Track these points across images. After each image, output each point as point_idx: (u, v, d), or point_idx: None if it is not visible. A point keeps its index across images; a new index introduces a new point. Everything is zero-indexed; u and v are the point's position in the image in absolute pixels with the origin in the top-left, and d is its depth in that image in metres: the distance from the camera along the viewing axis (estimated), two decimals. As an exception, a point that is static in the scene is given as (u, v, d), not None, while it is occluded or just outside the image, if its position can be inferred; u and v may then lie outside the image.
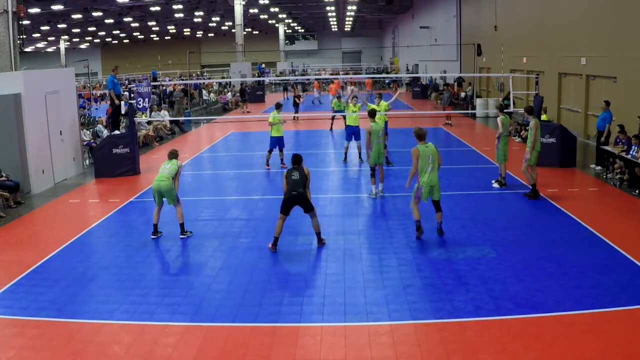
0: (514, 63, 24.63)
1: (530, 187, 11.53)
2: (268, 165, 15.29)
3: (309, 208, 8.93)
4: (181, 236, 9.75)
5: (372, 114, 11.78)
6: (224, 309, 6.90)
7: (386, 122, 14.87)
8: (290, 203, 8.86)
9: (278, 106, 15.47)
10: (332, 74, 51.24)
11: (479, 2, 30.75)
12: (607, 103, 14.48)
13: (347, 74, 53.46)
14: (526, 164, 11.36)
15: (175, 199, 9.72)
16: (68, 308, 7.00)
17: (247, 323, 6.55)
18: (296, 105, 27.07)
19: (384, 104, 14.84)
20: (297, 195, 8.79)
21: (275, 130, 14.91)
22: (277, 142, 15.02)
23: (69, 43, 61.47)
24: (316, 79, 38.72)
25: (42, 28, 45.08)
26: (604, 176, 13.16)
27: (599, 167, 13.94)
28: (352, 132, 15.30)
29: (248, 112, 30.99)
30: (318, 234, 9.09)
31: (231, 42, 44.28)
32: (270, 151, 15.22)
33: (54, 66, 47.20)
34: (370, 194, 11.96)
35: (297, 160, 9.12)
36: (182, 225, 9.80)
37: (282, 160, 15.18)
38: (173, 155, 9.98)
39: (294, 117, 26.01)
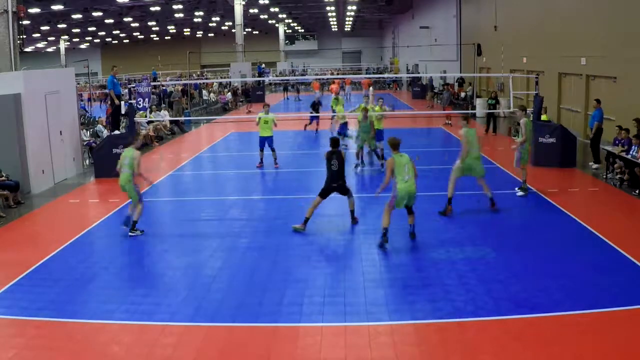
0: (514, 63, 24.62)
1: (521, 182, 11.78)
2: (261, 164, 15.28)
3: (347, 192, 9.98)
4: (130, 233, 9.67)
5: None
6: (224, 309, 6.90)
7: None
8: (331, 191, 9.86)
9: (265, 106, 15.69)
10: (331, 74, 51.26)
11: (479, 2, 30.74)
12: (598, 101, 14.80)
13: (344, 74, 53.44)
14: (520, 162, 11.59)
15: (135, 195, 9.59)
16: (68, 308, 7.00)
17: (247, 323, 6.55)
18: (316, 111, 21.45)
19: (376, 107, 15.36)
20: (337, 187, 9.84)
21: (263, 130, 14.98)
22: (266, 142, 15.08)
23: (69, 43, 61.43)
24: (315, 79, 38.70)
25: (42, 28, 45.05)
26: (604, 176, 13.16)
27: (596, 165, 14.07)
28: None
29: (251, 112, 31.06)
30: (352, 212, 10.09)
31: (231, 42, 44.26)
32: (261, 150, 15.25)
33: (54, 66, 47.14)
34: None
35: (335, 143, 10.01)
36: (134, 222, 9.69)
37: (275, 160, 15.20)
38: (131, 142, 9.67)
39: (308, 124, 21.87)
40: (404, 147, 15.33)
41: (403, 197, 8.87)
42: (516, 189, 11.95)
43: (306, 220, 9.75)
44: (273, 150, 15.13)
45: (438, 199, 11.67)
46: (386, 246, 8.85)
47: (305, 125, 21.53)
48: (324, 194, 9.82)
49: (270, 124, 14.97)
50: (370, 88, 27.67)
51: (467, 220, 10.19)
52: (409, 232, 9.23)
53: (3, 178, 12.12)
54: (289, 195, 12.20)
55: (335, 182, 9.80)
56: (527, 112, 12.71)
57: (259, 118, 15.01)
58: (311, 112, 21.40)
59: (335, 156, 9.79)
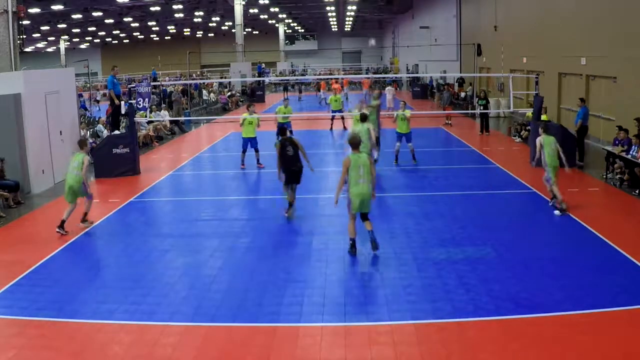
0: (514, 63, 24.62)
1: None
2: (243, 164, 15.35)
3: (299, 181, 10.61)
4: (80, 223, 10.25)
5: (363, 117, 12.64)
6: (224, 309, 6.90)
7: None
8: (293, 175, 10.46)
9: (248, 107, 15.94)
10: (330, 74, 51.30)
11: (479, 2, 30.75)
12: (583, 100, 15.25)
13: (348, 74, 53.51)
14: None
15: (85, 193, 10.19)
16: (68, 308, 6.99)
17: (247, 323, 6.55)
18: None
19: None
20: (298, 171, 10.45)
21: (247, 131, 15.09)
22: (250, 143, 15.20)
23: (69, 43, 61.44)
24: (321, 79, 38.74)
25: (42, 28, 45.07)
26: (604, 176, 13.16)
27: (581, 162, 14.39)
28: (403, 135, 15.43)
29: (254, 112, 31.09)
30: (290, 204, 10.62)
31: (231, 42, 44.27)
32: (244, 151, 15.35)
33: (54, 66, 47.16)
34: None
35: (282, 131, 11.05)
36: (85, 214, 10.32)
37: (257, 160, 15.36)
38: (80, 145, 10.43)
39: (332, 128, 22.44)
40: (405, 147, 15.40)
41: (355, 202, 8.33)
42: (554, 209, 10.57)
43: (290, 204, 10.54)
44: (257, 150, 15.31)
45: (438, 199, 11.69)
46: (354, 254, 8.45)
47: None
48: (288, 181, 10.45)
49: (254, 125, 15.19)
50: (388, 88, 28.13)
51: (467, 220, 10.18)
52: (370, 241, 8.47)
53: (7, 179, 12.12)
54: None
55: (294, 166, 10.35)
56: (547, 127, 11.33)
57: (244, 119, 15.17)
58: (333, 112, 22.11)
59: (289, 142, 10.42)
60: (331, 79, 35.73)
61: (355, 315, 6.61)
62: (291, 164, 10.34)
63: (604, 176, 13.17)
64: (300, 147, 10.41)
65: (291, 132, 16.76)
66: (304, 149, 10.49)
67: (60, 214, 10.02)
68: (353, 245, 8.53)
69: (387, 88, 28.20)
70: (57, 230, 9.88)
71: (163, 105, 26.39)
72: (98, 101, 34.21)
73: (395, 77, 37.06)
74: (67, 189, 10.07)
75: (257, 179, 14.40)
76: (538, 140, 10.70)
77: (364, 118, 12.59)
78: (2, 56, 13.90)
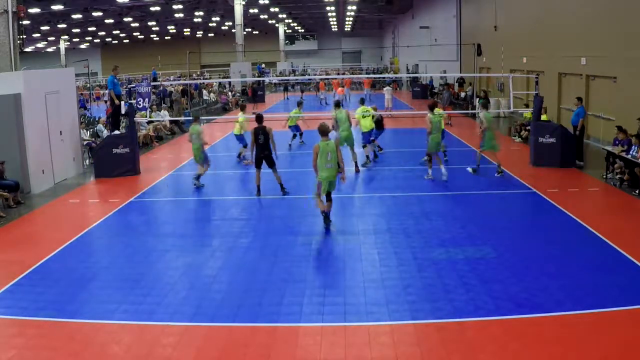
0: (514, 63, 24.62)
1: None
2: (246, 160, 15.96)
3: (273, 165, 12.03)
4: (194, 180, 13.06)
5: (432, 106, 13.52)
6: (224, 309, 6.90)
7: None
8: (261, 161, 11.94)
9: (243, 108, 17.09)
10: (327, 74, 51.28)
11: (479, 2, 30.75)
12: (580, 99, 15.27)
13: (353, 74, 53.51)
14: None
15: (203, 159, 12.75)
16: (68, 308, 6.99)
17: (247, 323, 6.55)
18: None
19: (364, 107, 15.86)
20: (265, 157, 11.88)
21: (237, 130, 16.32)
22: (239, 139, 16.42)
23: (69, 43, 61.45)
24: (321, 79, 38.74)
25: (42, 28, 45.08)
26: (604, 176, 13.16)
27: (581, 162, 14.42)
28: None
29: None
30: (281, 185, 12.19)
31: (231, 42, 44.27)
32: (245, 146, 16.21)
33: (54, 66, 47.17)
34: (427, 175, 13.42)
35: (259, 119, 11.95)
36: (199, 175, 12.91)
37: (240, 154, 16.62)
38: (194, 119, 12.83)
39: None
40: (405, 147, 15.41)
41: (325, 184, 9.47)
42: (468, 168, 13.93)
43: (258, 187, 12.14)
44: (245, 146, 16.25)
45: (438, 199, 11.70)
46: (331, 226, 9.68)
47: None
48: (257, 164, 11.99)
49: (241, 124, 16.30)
50: (386, 89, 28.11)
51: (467, 220, 10.18)
52: (323, 217, 9.73)
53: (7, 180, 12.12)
54: (289, 195, 12.20)
55: (262, 153, 11.82)
56: (488, 106, 14.65)
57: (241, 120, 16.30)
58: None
59: (261, 131, 11.70)
60: (331, 79, 35.76)
61: (355, 315, 6.61)
62: (260, 151, 11.82)
63: (604, 176, 13.17)
64: (271, 136, 11.75)
65: (301, 134, 18.65)
66: (273, 138, 11.83)
67: (60, 214, 10.04)
68: (326, 217, 9.75)
69: (385, 88, 28.13)
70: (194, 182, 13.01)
71: (163, 105, 26.40)
72: (106, 102, 34.25)
73: (395, 77, 37.00)
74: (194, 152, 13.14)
75: (267, 179, 14.39)
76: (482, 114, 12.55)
77: (337, 104, 14.57)
78: (2, 56, 13.92)
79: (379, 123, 15.83)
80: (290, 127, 18.32)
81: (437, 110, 13.72)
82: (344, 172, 9.80)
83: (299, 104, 18.73)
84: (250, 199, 12.43)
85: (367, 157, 15.41)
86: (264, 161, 11.97)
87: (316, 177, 9.69)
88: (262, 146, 11.80)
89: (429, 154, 13.47)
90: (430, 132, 13.04)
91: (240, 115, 16.41)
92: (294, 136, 18.67)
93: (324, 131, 9.56)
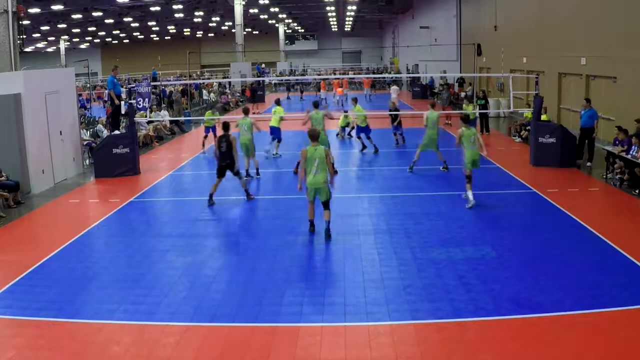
0: (514, 63, 24.62)
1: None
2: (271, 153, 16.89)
3: (237, 173, 11.71)
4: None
5: (465, 119, 11.47)
6: (224, 309, 6.90)
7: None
8: (223, 170, 11.54)
9: (246, 111, 15.63)
10: (333, 73, 51.31)
11: (479, 2, 30.75)
12: (588, 101, 15.13)
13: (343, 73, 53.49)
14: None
15: (254, 150, 13.52)
16: (68, 308, 7.00)
17: (247, 323, 6.55)
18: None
19: (359, 107, 17.34)
20: (227, 166, 11.51)
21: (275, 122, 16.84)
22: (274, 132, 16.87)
23: (69, 43, 61.44)
24: (322, 79, 38.75)
25: (42, 28, 45.07)
26: (604, 176, 13.16)
27: (589, 163, 14.33)
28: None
29: (258, 112, 31.09)
30: (246, 191, 11.93)
31: (231, 42, 44.27)
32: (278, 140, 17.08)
33: (54, 66, 47.14)
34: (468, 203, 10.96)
35: (225, 127, 11.65)
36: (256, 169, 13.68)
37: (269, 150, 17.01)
38: (245, 112, 13.22)
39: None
40: (405, 147, 15.41)
41: (310, 190, 9.21)
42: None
43: (210, 195, 11.57)
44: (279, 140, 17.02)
45: (438, 199, 11.69)
46: (312, 232, 9.49)
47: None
48: (218, 173, 11.55)
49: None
50: (393, 88, 28.54)
51: (467, 220, 10.19)
52: (323, 230, 9.32)
53: (3, 178, 12.12)
54: (289, 195, 12.20)
55: (224, 162, 11.42)
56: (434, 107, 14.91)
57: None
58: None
59: (224, 139, 11.39)
60: (332, 79, 35.75)
61: (355, 315, 6.61)
62: (221, 160, 11.48)
63: (604, 176, 13.17)
64: (233, 146, 11.43)
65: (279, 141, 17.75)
66: (236, 148, 11.55)
67: (60, 214, 10.04)
68: (312, 225, 9.52)
69: (392, 87, 28.25)
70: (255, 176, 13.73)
71: (163, 105, 26.40)
72: (105, 102, 34.22)
73: (395, 77, 37.01)
74: (241, 145, 13.30)
75: (257, 179, 14.39)
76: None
77: (316, 105, 14.79)
78: (2, 56, 13.91)
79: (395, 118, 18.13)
80: (271, 127, 16.78)
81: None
82: (333, 181, 9.43)
83: (316, 104, 15.56)
84: (251, 199, 12.42)
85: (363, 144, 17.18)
86: (227, 170, 11.56)
87: (298, 182, 9.49)
88: (224, 155, 11.40)
89: (468, 176, 11.11)
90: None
91: (275, 107, 17.27)
92: (274, 139, 17.08)
93: (313, 136, 9.37)
